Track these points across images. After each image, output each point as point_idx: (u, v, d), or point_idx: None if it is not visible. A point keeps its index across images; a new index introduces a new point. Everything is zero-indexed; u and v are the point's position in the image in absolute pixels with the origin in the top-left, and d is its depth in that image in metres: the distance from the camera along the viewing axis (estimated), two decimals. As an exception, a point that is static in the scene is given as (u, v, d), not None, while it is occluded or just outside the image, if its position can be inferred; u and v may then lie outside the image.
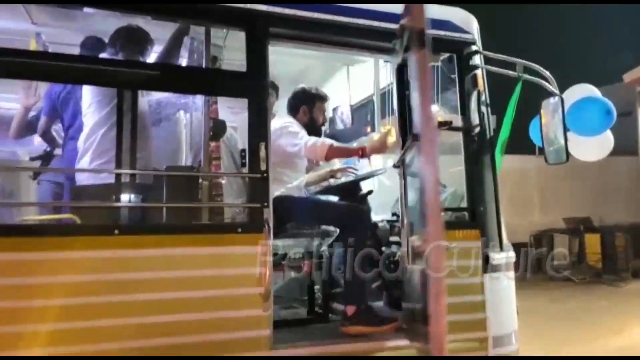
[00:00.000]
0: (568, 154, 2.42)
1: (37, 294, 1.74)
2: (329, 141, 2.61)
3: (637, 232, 12.10)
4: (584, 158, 2.52)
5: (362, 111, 3.79)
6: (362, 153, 2.60)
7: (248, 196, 2.07)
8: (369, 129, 3.59)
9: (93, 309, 1.81)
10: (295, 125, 2.74)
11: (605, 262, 11.67)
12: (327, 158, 2.71)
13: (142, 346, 1.84)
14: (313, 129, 2.85)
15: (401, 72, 2.27)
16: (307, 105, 2.88)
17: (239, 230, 2.02)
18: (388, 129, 3.54)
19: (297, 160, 2.77)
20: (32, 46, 2.52)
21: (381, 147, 2.60)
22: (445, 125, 2.32)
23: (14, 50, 1.94)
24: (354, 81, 3.73)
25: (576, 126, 2.36)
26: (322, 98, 2.96)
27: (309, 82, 3.96)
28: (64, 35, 2.68)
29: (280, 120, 2.79)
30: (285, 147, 2.58)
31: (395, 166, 2.32)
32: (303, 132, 2.68)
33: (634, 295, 8.86)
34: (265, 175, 2.04)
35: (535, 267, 12.25)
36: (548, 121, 2.48)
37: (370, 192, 3.01)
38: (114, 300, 1.84)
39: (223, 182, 2.28)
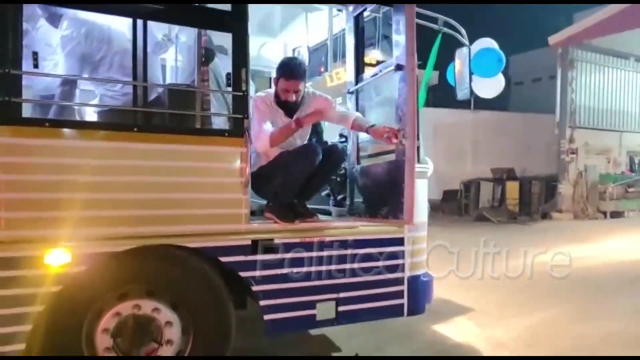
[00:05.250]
0: (472, 91, 3.25)
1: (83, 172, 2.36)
2: (268, 131, 2.90)
3: (550, 181, 13.74)
4: (482, 94, 3.34)
5: (317, 53, 4.42)
6: (297, 124, 2.89)
7: (232, 109, 2.71)
8: (322, 69, 4.23)
9: (116, 186, 2.44)
10: (254, 120, 2.87)
11: (522, 206, 13.28)
12: (273, 145, 2.93)
13: (149, 215, 2.50)
14: (280, 103, 3.00)
15: (357, 20, 2.94)
16: (276, 76, 2.99)
17: (226, 134, 2.68)
18: (337, 72, 4.24)
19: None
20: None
21: (314, 115, 2.96)
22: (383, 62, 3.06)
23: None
24: (311, 26, 4.33)
25: (477, 69, 3.16)
26: (283, 74, 2.93)
27: (270, 26, 4.54)
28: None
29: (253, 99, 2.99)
30: None
31: (349, 92, 3.03)
32: (255, 126, 2.86)
33: (540, 231, 10.41)
34: (245, 93, 2.68)
35: (463, 210, 13.77)
36: (459, 65, 3.27)
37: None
38: (130, 180, 2.47)
39: (211, 100, 2.90)
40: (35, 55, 2.40)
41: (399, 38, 2.79)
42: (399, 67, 2.70)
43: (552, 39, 12.85)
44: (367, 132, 2.98)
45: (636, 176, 13.55)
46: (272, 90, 3.09)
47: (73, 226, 2.31)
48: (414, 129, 2.63)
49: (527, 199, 13.38)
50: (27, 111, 2.38)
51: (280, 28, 4.64)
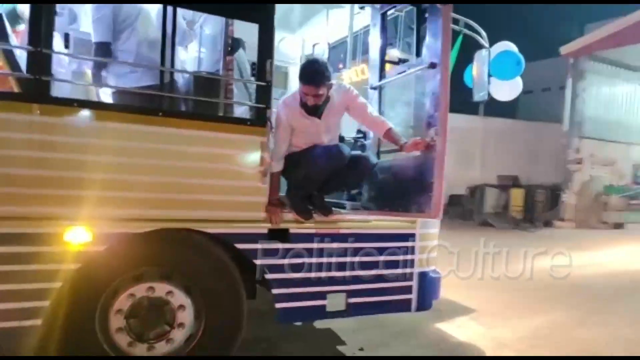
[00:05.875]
0: (489, 94, 3.28)
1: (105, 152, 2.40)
2: (277, 155, 2.91)
3: (555, 190, 13.76)
4: (499, 97, 3.37)
5: (336, 50, 4.45)
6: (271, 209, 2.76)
7: (256, 99, 2.75)
8: (341, 66, 4.27)
9: (139, 168, 2.48)
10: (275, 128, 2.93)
11: (525, 213, 13.30)
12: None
13: (169, 198, 2.53)
14: (306, 105, 2.93)
15: (383, 18, 2.98)
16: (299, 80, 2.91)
17: (248, 123, 2.72)
18: (361, 68, 4.27)
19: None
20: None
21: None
22: (406, 61, 3.10)
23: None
24: (331, 23, 4.36)
25: (496, 72, 3.19)
26: (301, 79, 2.86)
27: (290, 21, 4.57)
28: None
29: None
30: None
31: (372, 88, 3.06)
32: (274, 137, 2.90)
33: (542, 238, 10.42)
34: (269, 83, 2.72)
35: (467, 215, 13.79)
36: (478, 67, 3.29)
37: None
38: (152, 164, 2.50)
39: (233, 89, 2.94)
40: (67, 36, 2.43)
41: (432, 37, 2.84)
42: (432, 65, 2.74)
43: (565, 49, 12.86)
44: (401, 148, 2.97)
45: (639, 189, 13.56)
46: (295, 93, 3.05)
47: (94, 205, 2.35)
48: (445, 126, 2.68)
49: (531, 206, 13.41)
50: (58, 91, 2.41)
51: (300, 24, 4.67)
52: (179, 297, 2.61)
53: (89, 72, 3.20)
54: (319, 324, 3.65)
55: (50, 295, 2.29)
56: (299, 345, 3.44)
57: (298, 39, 4.65)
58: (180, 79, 2.91)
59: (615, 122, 13.64)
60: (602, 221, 12.98)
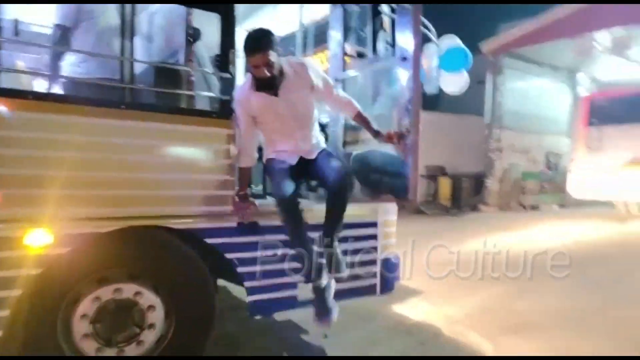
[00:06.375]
0: (439, 86, 3.47)
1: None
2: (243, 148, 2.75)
3: (478, 178, 14.72)
4: (447, 90, 3.58)
5: (286, 42, 4.44)
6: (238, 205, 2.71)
7: (220, 91, 2.70)
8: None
9: (101, 164, 2.35)
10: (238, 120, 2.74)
11: (453, 200, 14.12)
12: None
13: (135, 195, 2.43)
14: (259, 83, 2.69)
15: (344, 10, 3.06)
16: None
17: (213, 115, 2.67)
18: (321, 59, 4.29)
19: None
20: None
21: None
22: (362, 56, 3.20)
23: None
24: (279, 16, 4.34)
25: (445, 65, 3.39)
26: (245, 51, 2.61)
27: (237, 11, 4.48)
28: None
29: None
30: None
31: (336, 80, 3.07)
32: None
33: (470, 222, 11.20)
34: (233, 75, 2.68)
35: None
36: (428, 61, 3.47)
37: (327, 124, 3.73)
38: (115, 159, 2.38)
39: (195, 82, 2.86)
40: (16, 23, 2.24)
41: (403, 32, 2.97)
42: (404, 59, 2.85)
43: (485, 46, 13.76)
44: (375, 136, 2.98)
45: (552, 174, 14.94)
46: (247, 78, 2.79)
47: (55, 205, 2.20)
48: (418, 116, 2.79)
49: (457, 193, 14.23)
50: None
51: (244, 16, 4.59)
52: (148, 297, 2.52)
53: (20, 63, 2.97)
54: (278, 316, 3.67)
55: (9, 304, 2.11)
56: (261, 339, 3.44)
57: (243, 32, 4.57)
58: (139, 71, 2.78)
59: (529, 114, 14.86)
60: (520, 204, 14.15)
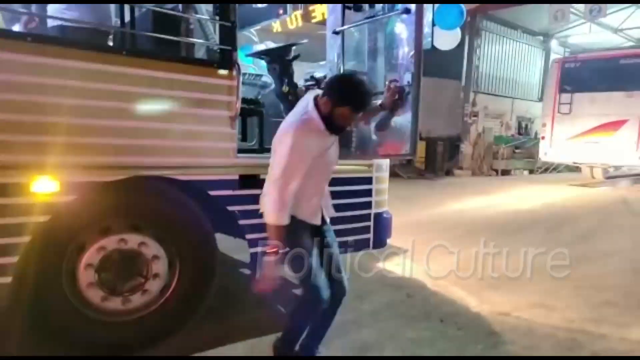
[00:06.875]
0: (432, 43, 3.49)
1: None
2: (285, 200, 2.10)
3: (452, 142, 15.00)
4: (441, 46, 3.60)
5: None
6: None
7: (220, 40, 2.64)
8: (281, 11, 4.19)
9: (104, 112, 2.30)
10: (288, 136, 2.04)
11: (428, 164, 14.40)
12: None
13: (139, 144, 2.41)
14: (331, 124, 2.14)
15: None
16: (332, 99, 2.10)
17: (215, 65, 2.63)
18: (295, 15, 4.20)
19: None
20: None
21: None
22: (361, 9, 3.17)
23: None
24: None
25: (440, 22, 3.40)
26: (355, 106, 2.13)
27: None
28: None
29: (302, 104, 2.21)
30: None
31: (335, 32, 3.05)
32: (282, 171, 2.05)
33: (445, 186, 11.51)
34: (234, 24, 2.62)
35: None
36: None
37: (297, 57, 3.52)
38: (119, 107, 2.34)
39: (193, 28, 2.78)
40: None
41: None
42: (407, 11, 2.83)
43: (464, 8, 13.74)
44: (382, 108, 2.86)
45: (523, 139, 15.39)
46: (313, 111, 2.15)
47: (61, 152, 2.16)
48: (420, 70, 2.80)
49: (432, 157, 14.51)
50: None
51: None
52: (153, 248, 2.54)
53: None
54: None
55: (19, 250, 2.10)
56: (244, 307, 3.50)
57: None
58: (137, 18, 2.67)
59: (504, 78, 15.12)
60: (493, 168, 14.59)
